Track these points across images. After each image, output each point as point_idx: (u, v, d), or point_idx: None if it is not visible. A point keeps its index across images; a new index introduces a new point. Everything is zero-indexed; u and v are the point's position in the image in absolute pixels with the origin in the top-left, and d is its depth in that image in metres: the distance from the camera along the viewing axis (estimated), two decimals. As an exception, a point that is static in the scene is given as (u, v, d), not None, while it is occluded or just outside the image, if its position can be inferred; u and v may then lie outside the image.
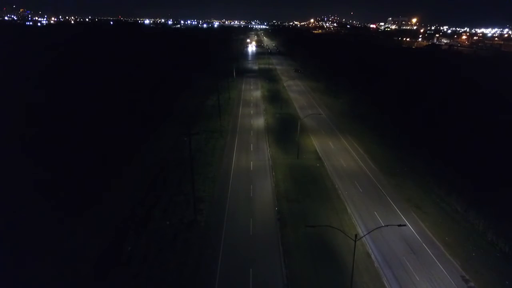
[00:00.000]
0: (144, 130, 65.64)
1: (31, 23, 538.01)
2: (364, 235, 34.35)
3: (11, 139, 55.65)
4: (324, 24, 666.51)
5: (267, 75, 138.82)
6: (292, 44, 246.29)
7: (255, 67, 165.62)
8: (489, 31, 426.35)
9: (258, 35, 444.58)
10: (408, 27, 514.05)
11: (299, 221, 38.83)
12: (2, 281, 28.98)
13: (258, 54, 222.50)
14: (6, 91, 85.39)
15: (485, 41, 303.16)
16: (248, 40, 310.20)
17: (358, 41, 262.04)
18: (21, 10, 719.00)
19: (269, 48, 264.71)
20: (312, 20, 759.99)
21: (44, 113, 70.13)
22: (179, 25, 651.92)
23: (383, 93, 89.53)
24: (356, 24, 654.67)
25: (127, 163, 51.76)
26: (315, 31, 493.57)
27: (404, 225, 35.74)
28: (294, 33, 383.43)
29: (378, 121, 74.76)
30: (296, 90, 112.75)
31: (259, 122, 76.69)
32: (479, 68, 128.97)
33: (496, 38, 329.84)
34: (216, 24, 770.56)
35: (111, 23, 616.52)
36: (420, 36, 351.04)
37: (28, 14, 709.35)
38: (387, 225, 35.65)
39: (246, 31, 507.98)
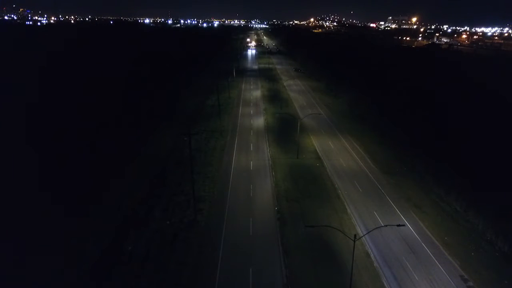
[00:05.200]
0: (144, 130, 65.72)
1: (31, 22, 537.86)
2: (364, 235, 34.47)
3: (11, 139, 55.68)
4: (324, 24, 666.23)
5: (267, 75, 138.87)
6: (292, 44, 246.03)
7: (255, 66, 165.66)
8: (489, 30, 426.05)
9: (258, 35, 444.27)
10: (408, 26, 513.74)
11: (299, 221, 38.96)
12: (3, 280, 29.10)
13: (258, 54, 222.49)
14: (6, 91, 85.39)
15: (485, 40, 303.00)
16: (248, 40, 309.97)
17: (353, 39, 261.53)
18: (21, 9, 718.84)
19: (269, 48, 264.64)
20: (312, 20, 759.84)
21: (43, 113, 70.14)
22: (179, 24, 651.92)
23: (383, 93, 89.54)
24: (356, 23, 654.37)
25: (127, 163, 51.85)
26: (315, 30, 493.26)
27: (403, 225, 35.81)
28: (294, 32, 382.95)
29: (378, 121, 74.80)
30: (296, 90, 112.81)
31: (259, 121, 76.77)
32: (479, 67, 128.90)
33: (496, 37, 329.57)
34: (216, 23, 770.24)
35: (111, 22, 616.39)
36: (420, 35, 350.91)
37: (28, 13, 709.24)
38: (386, 225, 35.76)
39: (246, 31, 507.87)
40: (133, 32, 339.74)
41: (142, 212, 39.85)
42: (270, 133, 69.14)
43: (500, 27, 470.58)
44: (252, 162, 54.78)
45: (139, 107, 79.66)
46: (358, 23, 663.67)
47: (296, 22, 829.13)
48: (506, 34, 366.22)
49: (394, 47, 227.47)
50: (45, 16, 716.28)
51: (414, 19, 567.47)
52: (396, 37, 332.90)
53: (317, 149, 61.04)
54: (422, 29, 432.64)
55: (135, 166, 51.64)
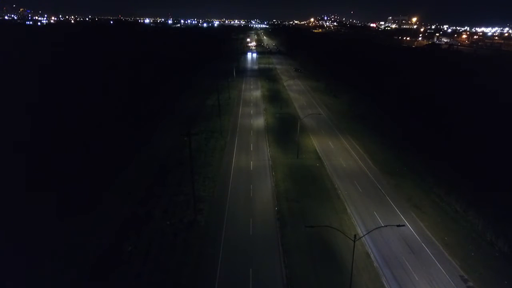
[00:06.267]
0: (144, 130, 65.75)
1: (31, 22, 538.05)
2: (364, 235, 34.46)
3: (12, 139, 55.69)
4: (324, 23, 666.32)
5: (267, 75, 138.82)
6: (292, 44, 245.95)
7: (255, 66, 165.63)
8: (489, 30, 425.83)
9: (258, 35, 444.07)
10: (408, 26, 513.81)
11: (299, 221, 38.95)
12: (3, 281, 29.11)
13: (258, 54, 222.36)
14: (6, 91, 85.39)
15: (485, 40, 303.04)
16: (248, 40, 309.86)
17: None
18: (21, 9, 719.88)
19: (269, 48, 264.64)
20: (312, 19, 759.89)
21: (44, 113, 70.15)
22: (179, 24, 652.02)
23: (383, 93, 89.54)
24: (356, 23, 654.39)
25: (127, 163, 51.88)
26: (315, 30, 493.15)
27: (403, 225, 35.81)
28: (294, 32, 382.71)
29: (378, 121, 74.82)
30: (296, 90, 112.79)
31: (259, 122, 76.76)
32: (479, 67, 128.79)
33: (496, 37, 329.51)
34: (216, 23, 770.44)
35: (111, 22, 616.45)
36: (420, 35, 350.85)
37: (28, 13, 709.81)
38: (386, 225, 35.76)
39: (246, 31, 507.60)
40: (133, 32, 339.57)
41: (142, 212, 39.85)
42: (270, 133, 69.14)
43: (500, 27, 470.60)
44: (252, 162, 54.77)
45: (139, 107, 79.70)
46: (358, 23, 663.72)
47: (296, 22, 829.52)
48: (506, 34, 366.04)
49: (394, 47, 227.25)
50: (45, 16, 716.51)
51: (414, 19, 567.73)
52: (396, 37, 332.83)
53: (317, 149, 61.02)
54: (422, 29, 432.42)
55: (135, 166, 51.66)
